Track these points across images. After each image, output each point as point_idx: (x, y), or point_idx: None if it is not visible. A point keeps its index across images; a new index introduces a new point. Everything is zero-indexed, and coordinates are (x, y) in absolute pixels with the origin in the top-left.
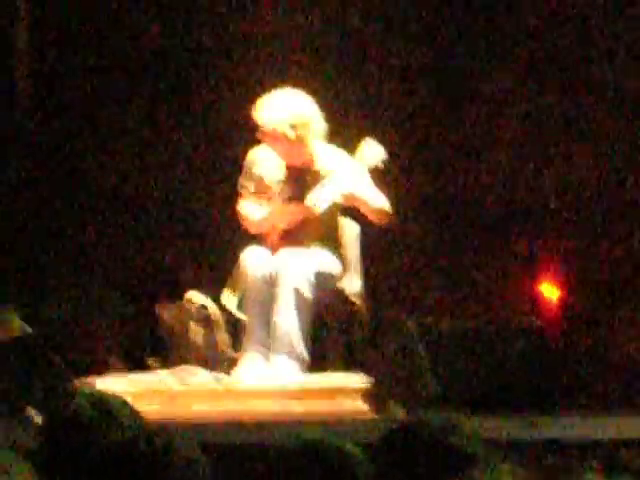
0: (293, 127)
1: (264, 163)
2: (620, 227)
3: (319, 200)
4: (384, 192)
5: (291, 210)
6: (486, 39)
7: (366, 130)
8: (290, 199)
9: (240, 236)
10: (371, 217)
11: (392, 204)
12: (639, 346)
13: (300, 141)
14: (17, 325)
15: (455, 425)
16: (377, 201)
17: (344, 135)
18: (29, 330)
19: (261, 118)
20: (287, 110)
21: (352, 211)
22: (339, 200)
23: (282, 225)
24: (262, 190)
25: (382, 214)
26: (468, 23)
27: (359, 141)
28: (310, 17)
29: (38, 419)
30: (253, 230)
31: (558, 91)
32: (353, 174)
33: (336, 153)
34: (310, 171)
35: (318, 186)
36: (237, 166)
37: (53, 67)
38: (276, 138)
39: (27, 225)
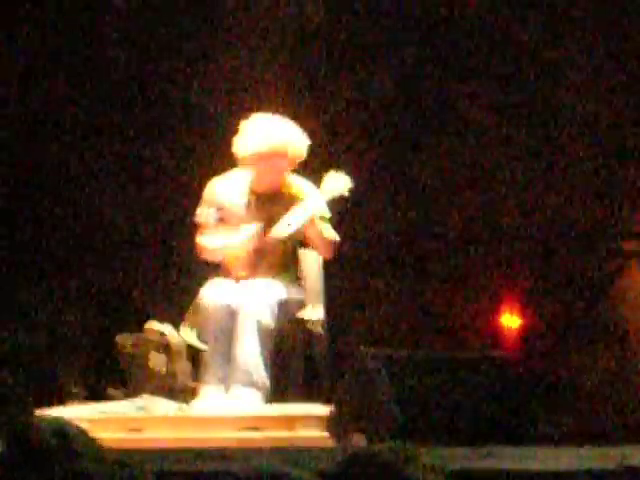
0: (289, 150)
1: (227, 191)
2: (579, 258)
3: (283, 227)
4: (339, 224)
5: (251, 234)
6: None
7: (331, 159)
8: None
9: (202, 268)
10: (319, 248)
11: (355, 235)
12: (600, 374)
13: (287, 165)
14: None
15: (411, 455)
16: (329, 233)
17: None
18: None
19: (262, 139)
20: (294, 132)
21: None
22: (301, 225)
23: (241, 250)
24: (225, 218)
25: (330, 246)
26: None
27: (324, 171)
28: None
29: None
30: (211, 257)
31: (524, 126)
32: (316, 202)
33: (301, 180)
34: (278, 197)
35: (286, 217)
36: (197, 197)
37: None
38: (278, 156)
39: None
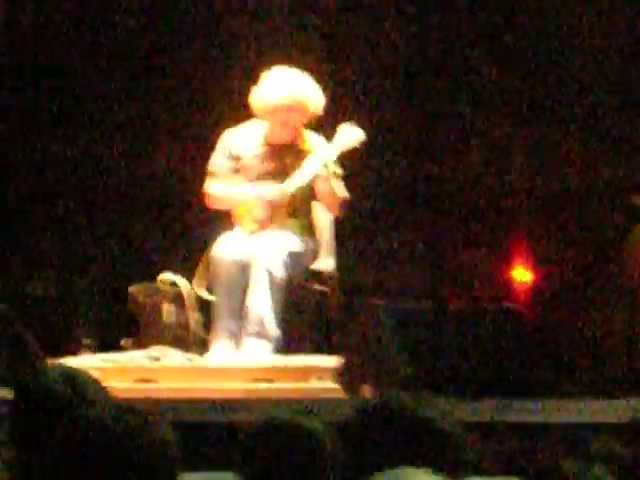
0: (307, 105)
1: (242, 142)
2: (591, 211)
3: (291, 182)
4: (351, 178)
5: (260, 192)
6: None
7: (347, 116)
8: (267, 176)
9: (216, 220)
10: (329, 205)
11: (368, 189)
12: (611, 329)
13: (303, 119)
14: None
15: (428, 401)
16: (340, 190)
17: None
18: None
19: (282, 91)
20: (314, 87)
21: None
22: (312, 179)
23: (252, 205)
24: (239, 169)
25: (340, 204)
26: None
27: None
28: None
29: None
30: (220, 205)
31: (534, 84)
32: (326, 155)
33: (315, 135)
34: (291, 149)
35: (298, 171)
36: (211, 149)
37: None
38: (297, 111)
39: (6, 205)
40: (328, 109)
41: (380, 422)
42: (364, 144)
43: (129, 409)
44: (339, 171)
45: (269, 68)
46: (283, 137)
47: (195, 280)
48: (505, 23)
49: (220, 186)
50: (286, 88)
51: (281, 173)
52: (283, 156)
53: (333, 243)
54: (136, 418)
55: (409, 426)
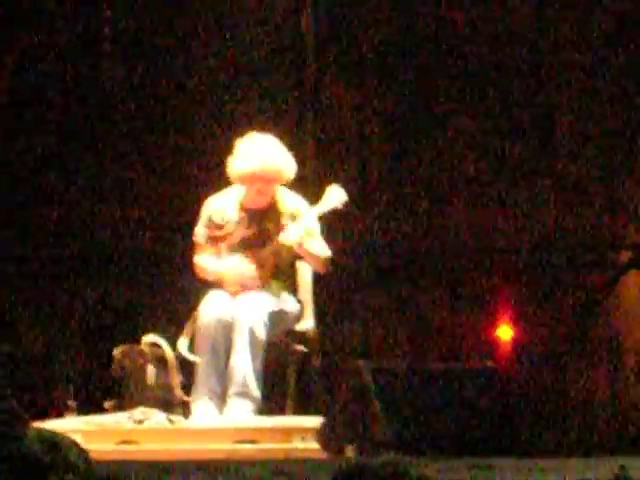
0: (279, 175)
1: (220, 208)
2: (574, 272)
3: (290, 234)
4: (335, 237)
5: (237, 276)
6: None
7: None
8: (249, 241)
9: (201, 281)
10: (311, 264)
11: (351, 248)
12: (594, 389)
13: (276, 187)
14: None
15: (403, 469)
16: (320, 251)
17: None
18: None
19: (254, 161)
20: (285, 154)
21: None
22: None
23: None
24: (219, 237)
25: (322, 263)
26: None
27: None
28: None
29: None
30: (206, 277)
31: (519, 141)
32: (310, 219)
33: (291, 194)
34: (269, 212)
35: (290, 226)
36: (198, 210)
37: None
38: (270, 181)
39: None
40: (312, 164)
41: None
42: (346, 205)
43: (107, 475)
44: (318, 230)
45: (243, 135)
46: (260, 202)
47: (180, 341)
48: (500, 85)
49: (205, 259)
50: (257, 159)
51: (263, 238)
52: (263, 221)
53: (312, 302)
54: None
55: None
